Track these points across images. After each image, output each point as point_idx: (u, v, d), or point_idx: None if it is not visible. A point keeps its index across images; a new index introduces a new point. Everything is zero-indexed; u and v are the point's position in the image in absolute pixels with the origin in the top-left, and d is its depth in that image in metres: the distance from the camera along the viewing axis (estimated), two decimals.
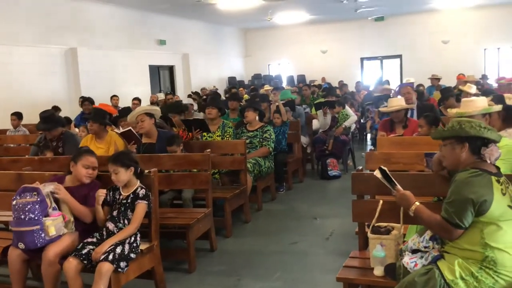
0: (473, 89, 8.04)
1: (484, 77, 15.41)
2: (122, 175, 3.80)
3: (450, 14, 18.87)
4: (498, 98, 5.24)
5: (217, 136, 6.34)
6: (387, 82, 15.48)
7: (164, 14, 16.12)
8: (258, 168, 6.29)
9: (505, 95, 5.48)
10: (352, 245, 3.99)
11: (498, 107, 4.39)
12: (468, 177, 2.68)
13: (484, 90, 7.90)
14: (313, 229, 5.76)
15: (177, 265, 4.75)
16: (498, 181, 2.69)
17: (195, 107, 8.63)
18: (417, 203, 2.93)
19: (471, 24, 18.86)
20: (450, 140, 2.83)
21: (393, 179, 3.10)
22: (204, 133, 6.28)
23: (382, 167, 3.16)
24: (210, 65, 19.31)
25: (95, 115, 5.80)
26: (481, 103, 4.40)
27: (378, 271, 3.10)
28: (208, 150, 5.11)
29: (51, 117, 5.92)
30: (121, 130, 6.02)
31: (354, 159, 9.04)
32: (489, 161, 2.77)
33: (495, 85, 11.09)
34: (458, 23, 19.03)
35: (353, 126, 9.71)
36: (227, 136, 6.31)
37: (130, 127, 5.59)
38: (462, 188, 2.66)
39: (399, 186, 3.07)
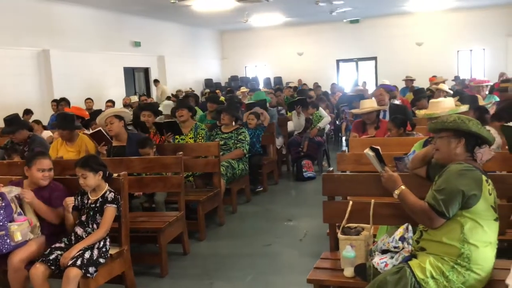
0: (445, 87, 8.26)
1: (456, 78, 15.69)
2: (91, 180, 3.73)
3: (424, 16, 19.15)
4: (469, 99, 5.32)
5: (190, 138, 6.29)
6: (364, 84, 15.69)
7: (139, 16, 16.00)
8: (231, 171, 6.26)
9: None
10: (325, 246, 3.97)
11: (465, 107, 4.46)
12: (462, 169, 2.72)
13: (455, 90, 8.05)
14: (287, 230, 5.76)
15: (149, 270, 4.68)
16: (487, 181, 2.75)
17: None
18: (403, 186, 2.96)
19: (444, 27, 19.19)
20: (448, 133, 2.86)
21: (384, 160, 3.10)
22: (177, 136, 6.21)
23: (374, 146, 3.16)
24: (186, 67, 19.23)
25: (62, 122, 5.66)
26: (449, 104, 4.47)
27: (348, 272, 3.10)
28: (181, 152, 5.06)
29: (14, 120, 5.81)
30: (91, 131, 5.93)
31: (329, 160, 9.08)
32: (479, 161, 2.83)
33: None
34: (432, 26, 19.34)
35: (328, 127, 9.76)
36: (200, 138, 6.27)
37: (100, 128, 5.50)
38: (455, 179, 2.70)
39: (387, 168, 3.08)
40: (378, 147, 3.15)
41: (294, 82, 18.46)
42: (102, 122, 5.57)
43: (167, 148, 5.79)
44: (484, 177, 2.74)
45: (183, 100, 8.92)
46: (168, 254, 4.68)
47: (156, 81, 16.51)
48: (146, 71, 17.49)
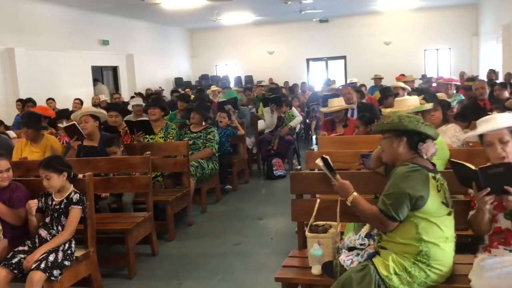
0: (402, 84, 8.55)
1: (423, 76, 15.95)
2: (55, 181, 3.65)
3: (392, 16, 19.41)
4: (432, 96, 5.42)
5: (160, 137, 6.22)
6: (333, 82, 15.79)
7: (107, 14, 15.74)
8: (201, 170, 6.22)
9: (438, 94, 5.68)
10: (295, 244, 3.99)
11: (430, 105, 4.54)
12: (407, 171, 2.73)
13: (421, 89, 8.19)
14: (257, 229, 5.76)
15: (116, 271, 4.62)
16: (434, 178, 2.76)
17: None
18: (355, 193, 2.98)
19: (411, 26, 19.50)
20: (389, 133, 2.88)
21: (334, 169, 3.12)
22: (146, 136, 6.14)
23: (324, 156, 3.18)
24: (155, 66, 19.03)
25: (29, 120, 5.55)
26: (413, 102, 4.56)
27: (316, 269, 3.12)
28: (148, 152, 5.00)
29: None
30: (65, 124, 5.81)
31: (299, 158, 9.12)
32: (425, 157, 2.84)
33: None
34: (399, 25, 19.62)
35: (298, 126, 9.81)
36: (170, 137, 6.21)
37: (74, 122, 5.39)
38: (401, 182, 2.72)
39: (338, 176, 3.10)
40: (328, 157, 3.17)
41: (265, 81, 18.46)
42: (77, 119, 5.47)
43: (135, 148, 5.72)
44: (431, 174, 2.75)
45: (157, 99, 8.83)
46: (136, 255, 4.64)
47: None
48: (114, 69, 17.23)
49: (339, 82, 16.55)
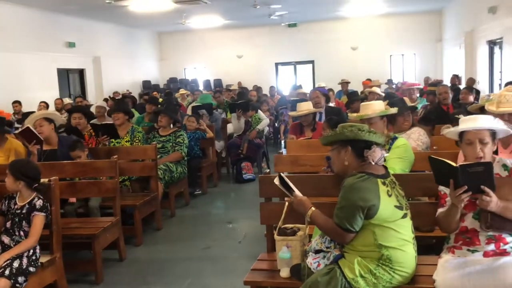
0: (378, 90, 8.57)
1: (389, 81, 16.26)
2: (9, 183, 3.59)
3: (359, 21, 19.72)
4: (398, 102, 5.53)
5: (126, 141, 6.15)
6: (300, 87, 15.91)
7: (74, 16, 15.49)
8: (169, 174, 6.18)
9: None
10: (264, 247, 4.00)
11: (394, 110, 4.63)
12: (355, 182, 2.76)
13: (387, 94, 8.35)
14: (226, 233, 5.75)
15: (83, 277, 4.54)
16: (384, 183, 2.79)
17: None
18: (313, 208, 2.98)
19: (377, 32, 19.86)
20: (335, 145, 2.94)
21: (292, 186, 3.14)
22: (112, 139, 6.06)
23: (281, 174, 3.21)
24: (123, 69, 18.81)
25: None
26: (378, 106, 4.62)
27: (284, 272, 3.14)
28: (115, 156, 4.94)
29: None
30: (19, 130, 5.68)
31: (269, 162, 9.16)
32: (373, 163, 2.85)
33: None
34: (366, 31, 19.96)
35: (267, 129, 9.85)
36: (137, 141, 6.15)
37: (28, 125, 5.25)
38: (350, 194, 2.74)
39: (297, 192, 3.12)
40: (283, 175, 3.20)
41: (234, 85, 18.48)
42: (31, 124, 5.34)
43: (101, 152, 5.64)
44: (380, 180, 2.78)
45: (120, 103, 8.73)
46: (103, 261, 4.57)
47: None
48: (81, 72, 16.95)
49: (307, 87, 16.71)
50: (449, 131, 3.02)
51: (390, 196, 2.78)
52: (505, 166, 2.84)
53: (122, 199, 5.17)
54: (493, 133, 2.82)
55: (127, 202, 5.34)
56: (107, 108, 7.45)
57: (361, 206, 2.69)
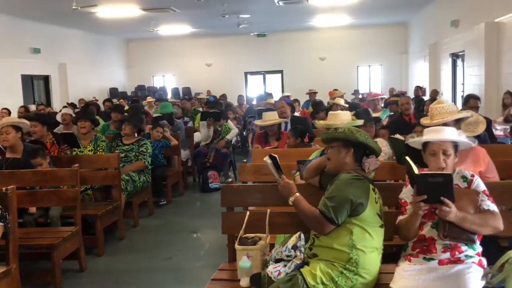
0: (341, 101, 8.71)
1: (356, 92, 16.52)
2: None
3: (327, 32, 19.98)
4: (363, 112, 5.63)
5: (89, 150, 6.06)
6: (271, 95, 16.02)
7: (39, 21, 15.20)
8: (131, 184, 6.10)
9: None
10: (227, 257, 3.99)
11: (360, 122, 4.71)
12: (351, 178, 2.85)
13: (352, 104, 8.49)
14: (190, 243, 5.71)
15: None
16: (373, 190, 2.90)
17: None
18: (298, 194, 3.04)
19: (345, 43, 20.18)
20: (338, 143, 2.99)
21: (281, 168, 3.16)
22: (75, 148, 5.96)
23: (273, 154, 3.21)
24: (90, 76, 18.53)
25: None
26: (346, 117, 4.70)
27: (244, 282, 3.13)
28: (77, 165, 4.86)
29: None
30: None
31: (235, 171, 9.14)
32: (367, 171, 2.97)
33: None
34: (334, 42, 20.25)
35: (235, 138, 9.85)
36: (100, 150, 6.06)
37: None
38: (344, 187, 2.82)
39: (284, 176, 3.16)
40: (276, 156, 3.22)
41: (203, 93, 18.44)
42: None
43: (63, 160, 5.54)
44: (371, 186, 2.89)
45: (87, 111, 8.59)
46: (63, 271, 4.48)
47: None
48: (46, 79, 16.61)
49: (276, 96, 16.83)
50: (414, 141, 3.10)
51: (376, 203, 2.88)
52: (464, 178, 2.91)
53: (84, 209, 5.08)
54: (455, 146, 2.91)
55: (89, 212, 5.25)
56: (73, 115, 7.34)
57: (351, 200, 2.77)
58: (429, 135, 2.94)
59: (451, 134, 2.93)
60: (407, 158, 2.86)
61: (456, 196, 2.68)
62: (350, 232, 2.81)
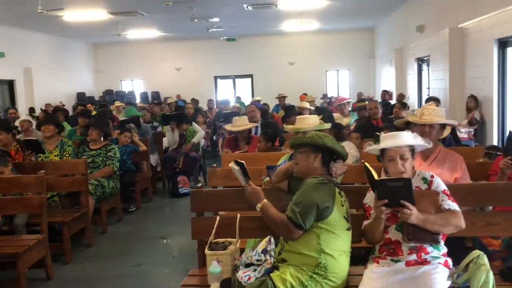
0: (307, 105, 8.91)
1: (324, 96, 16.69)
2: None
3: (296, 37, 20.13)
4: (328, 116, 5.69)
5: (55, 155, 5.94)
6: (239, 98, 16.09)
7: (3, 24, 14.83)
8: (100, 189, 6.01)
9: (334, 114, 5.97)
10: (197, 263, 3.97)
11: (328, 125, 4.76)
12: (317, 183, 2.88)
13: (319, 108, 8.58)
14: (159, 249, 5.65)
15: None
16: (339, 193, 2.94)
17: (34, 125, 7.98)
18: (265, 200, 3.05)
19: (314, 48, 20.38)
20: (306, 148, 3.02)
21: (248, 174, 3.15)
22: (40, 154, 5.83)
23: (239, 160, 3.20)
24: (56, 80, 18.15)
25: None
26: (314, 121, 4.75)
27: (215, 287, 3.11)
28: (42, 171, 4.75)
29: None
30: None
31: (206, 176, 9.10)
32: (334, 175, 3.02)
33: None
34: (303, 46, 20.41)
35: (204, 142, 9.80)
36: (66, 155, 5.95)
37: None
38: (310, 192, 2.85)
39: (251, 182, 3.15)
40: (243, 162, 3.22)
41: (173, 97, 18.29)
42: None
43: (27, 167, 5.41)
44: (337, 190, 2.94)
45: (51, 114, 8.43)
46: (28, 280, 4.39)
47: None
48: (10, 83, 16.21)
49: (247, 100, 16.88)
50: (371, 149, 3.16)
51: (342, 206, 2.92)
52: (424, 179, 2.98)
53: (50, 216, 4.99)
54: (412, 149, 2.98)
55: (56, 219, 5.14)
56: (33, 122, 7.17)
57: (318, 204, 2.79)
58: (385, 142, 2.99)
59: (406, 138, 2.98)
60: (366, 164, 2.92)
61: (417, 198, 2.75)
62: (318, 237, 2.84)
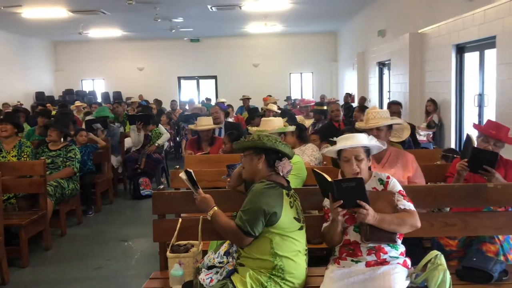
0: (275, 107, 8.85)
1: (288, 98, 16.82)
2: None
3: (260, 39, 20.24)
4: (291, 118, 5.74)
5: (12, 156, 5.77)
6: (209, 100, 16.03)
7: None
8: (60, 191, 5.88)
9: (297, 116, 6.03)
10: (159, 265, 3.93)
11: (292, 128, 4.80)
12: (263, 188, 2.88)
13: (282, 110, 8.64)
14: (120, 251, 5.57)
15: None
16: (288, 194, 2.94)
17: None
18: (216, 208, 3.03)
19: (278, 50, 20.54)
20: (249, 151, 3.02)
21: (197, 183, 3.14)
22: None
23: (188, 169, 3.18)
24: (14, 79, 17.63)
25: None
26: (278, 123, 4.80)
27: None
28: None
29: None
30: None
31: (168, 177, 9.02)
32: (281, 174, 3.00)
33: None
34: (267, 49, 20.55)
35: (167, 144, 9.72)
36: (25, 156, 5.79)
37: None
38: (257, 198, 2.84)
39: (201, 190, 3.13)
40: (191, 171, 3.20)
41: (135, 97, 18.08)
42: None
43: None
44: (284, 191, 2.93)
45: (10, 114, 8.19)
46: None
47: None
48: None
49: (212, 102, 16.84)
50: (328, 150, 3.21)
51: (291, 207, 2.92)
52: (381, 180, 3.04)
53: (7, 218, 4.86)
54: (367, 150, 3.04)
55: (12, 222, 5.00)
56: None
57: (265, 210, 2.79)
58: (341, 143, 3.05)
59: (361, 139, 3.05)
60: (315, 169, 2.97)
61: (374, 199, 2.81)
62: (270, 241, 2.85)
